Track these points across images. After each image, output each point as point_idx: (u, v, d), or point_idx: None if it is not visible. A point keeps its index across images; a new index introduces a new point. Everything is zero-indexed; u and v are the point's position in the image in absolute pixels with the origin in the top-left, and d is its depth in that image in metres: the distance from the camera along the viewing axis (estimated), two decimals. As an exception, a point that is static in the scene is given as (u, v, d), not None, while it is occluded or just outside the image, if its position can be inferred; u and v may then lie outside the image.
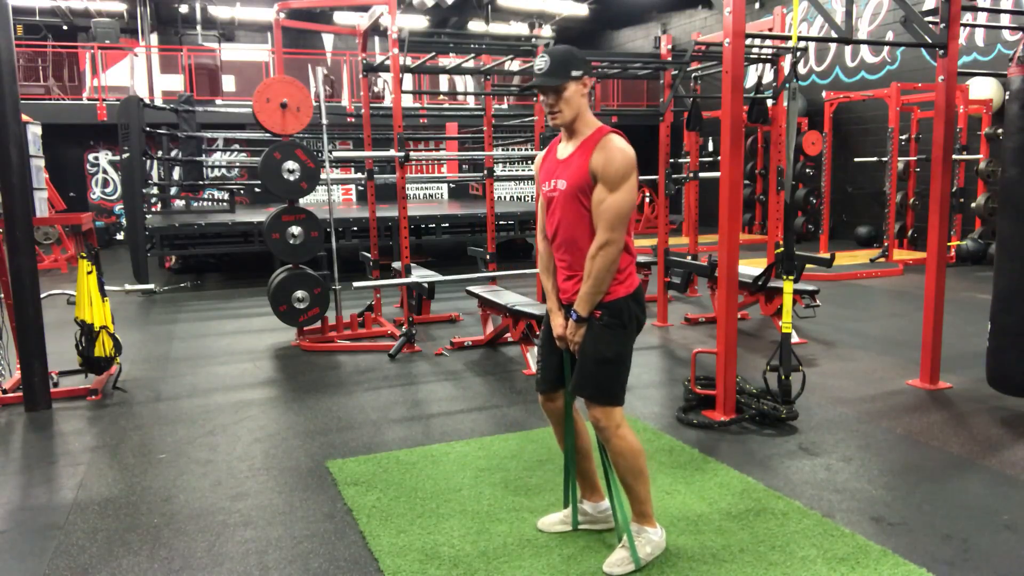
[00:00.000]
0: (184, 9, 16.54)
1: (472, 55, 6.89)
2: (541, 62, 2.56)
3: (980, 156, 10.43)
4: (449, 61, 9.61)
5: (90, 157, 15.12)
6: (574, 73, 2.54)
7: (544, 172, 2.76)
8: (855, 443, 3.91)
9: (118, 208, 14.83)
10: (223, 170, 14.69)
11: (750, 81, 10.74)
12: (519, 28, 18.98)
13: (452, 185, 16.35)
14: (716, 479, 3.45)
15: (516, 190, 17.28)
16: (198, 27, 16.57)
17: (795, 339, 5.96)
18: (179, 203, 13.12)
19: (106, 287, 5.02)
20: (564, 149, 2.69)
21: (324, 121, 6.38)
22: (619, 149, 2.54)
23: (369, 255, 7.22)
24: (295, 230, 5.95)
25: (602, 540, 2.90)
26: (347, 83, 15.46)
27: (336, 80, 15.48)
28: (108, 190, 15.33)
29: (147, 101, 11.01)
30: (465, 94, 15.37)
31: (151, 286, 8.50)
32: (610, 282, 2.57)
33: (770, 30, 6.40)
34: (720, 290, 4.26)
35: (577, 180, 2.56)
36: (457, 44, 7.07)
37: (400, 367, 5.58)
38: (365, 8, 7.13)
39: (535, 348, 5.54)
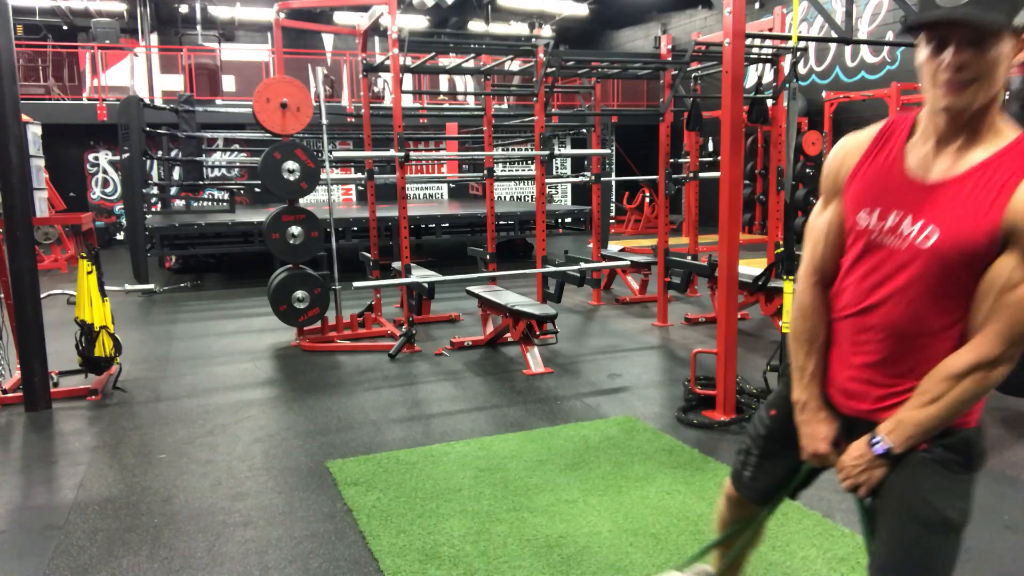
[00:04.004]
0: (184, 9, 16.54)
1: (472, 55, 6.90)
2: None
3: (980, 156, 10.42)
4: (449, 61, 9.61)
5: (90, 157, 15.11)
6: (1018, 21, 1.38)
7: (868, 188, 1.58)
8: (855, 443, 3.90)
9: (118, 208, 14.81)
10: (223, 170, 14.69)
11: (750, 81, 10.75)
12: (519, 28, 18.97)
13: (452, 185, 16.35)
14: (716, 479, 3.45)
15: (516, 190, 17.28)
16: (198, 27, 16.57)
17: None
18: (179, 203, 13.12)
19: (106, 287, 5.02)
20: (933, 159, 1.50)
21: (324, 121, 6.38)
22: None
23: (369, 255, 7.23)
24: (295, 230, 5.95)
25: (602, 541, 2.90)
26: (347, 83, 15.45)
27: (336, 80, 15.47)
28: (108, 190, 15.32)
29: (147, 101, 11.00)
30: (465, 94, 15.36)
31: (151, 286, 8.49)
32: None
33: (770, 30, 6.41)
34: (720, 290, 4.27)
35: (968, 232, 1.43)
36: (457, 44, 7.07)
37: (400, 367, 5.58)
38: (365, 8, 7.13)
39: (535, 348, 5.58)
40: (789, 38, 4.40)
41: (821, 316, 1.70)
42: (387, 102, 13.62)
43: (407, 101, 14.09)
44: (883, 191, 1.55)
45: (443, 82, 15.84)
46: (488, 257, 7.28)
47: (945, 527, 1.52)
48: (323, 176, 6.20)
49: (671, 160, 6.97)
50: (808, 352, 1.71)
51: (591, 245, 8.56)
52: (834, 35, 4.58)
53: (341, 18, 16.07)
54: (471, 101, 14.98)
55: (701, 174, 7.98)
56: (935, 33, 1.42)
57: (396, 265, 7.01)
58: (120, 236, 14.32)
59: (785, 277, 4.25)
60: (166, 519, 3.17)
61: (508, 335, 5.86)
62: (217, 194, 13.39)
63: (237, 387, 5.16)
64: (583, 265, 6.38)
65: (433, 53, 6.90)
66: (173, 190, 12.76)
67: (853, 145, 1.64)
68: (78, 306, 4.82)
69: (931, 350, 1.52)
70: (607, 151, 9.82)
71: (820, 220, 1.71)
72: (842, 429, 1.68)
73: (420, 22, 17.55)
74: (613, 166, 12.93)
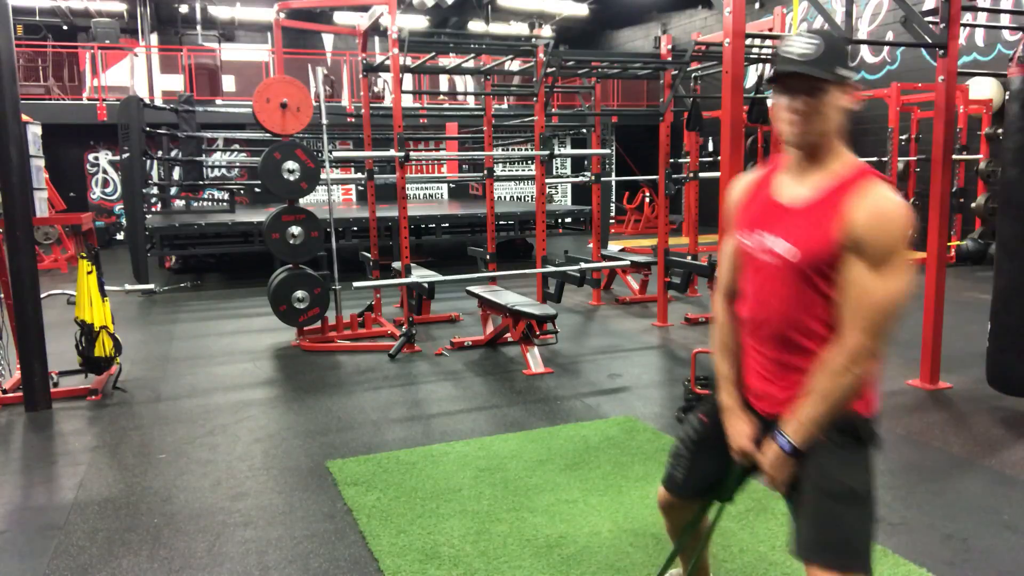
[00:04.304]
0: (184, 9, 16.54)
1: (472, 55, 6.89)
2: (804, 43, 1.69)
3: (980, 156, 10.43)
4: (449, 61, 9.61)
5: (90, 157, 15.11)
6: (843, 72, 1.69)
7: (747, 214, 1.88)
8: (855, 443, 3.90)
9: (118, 208, 14.82)
10: (223, 170, 14.69)
11: (750, 81, 10.73)
12: (519, 28, 18.97)
13: (452, 185, 16.35)
14: (716, 479, 3.45)
15: (516, 190, 17.29)
16: (198, 27, 16.56)
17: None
18: (179, 203, 13.12)
19: (106, 287, 5.02)
20: (791, 187, 1.80)
21: (324, 121, 6.38)
22: (895, 204, 1.65)
23: (369, 255, 7.23)
24: (295, 230, 5.95)
25: (602, 541, 2.90)
26: (347, 83, 15.45)
27: (336, 80, 15.47)
28: (108, 190, 15.32)
29: (147, 101, 11.01)
30: (465, 94, 15.36)
31: (151, 286, 8.49)
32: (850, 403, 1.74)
33: (770, 30, 6.40)
34: (720, 290, 4.26)
35: (817, 246, 1.70)
36: (457, 44, 7.07)
37: (400, 367, 5.58)
38: (365, 8, 7.13)
39: (535, 348, 5.58)
40: (789, 38, 4.40)
41: (732, 328, 1.96)
42: (387, 102, 13.62)
43: (407, 101, 14.09)
44: (758, 216, 1.84)
45: (443, 82, 15.84)
46: (488, 257, 7.28)
47: (851, 497, 1.71)
48: (323, 176, 6.20)
49: (671, 160, 6.97)
50: (726, 358, 1.97)
51: (591, 245, 8.57)
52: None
53: (341, 18, 16.07)
54: (471, 101, 14.98)
55: (701, 174, 7.98)
56: (783, 84, 1.73)
57: (396, 265, 7.00)
58: (120, 236, 14.33)
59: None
60: (166, 519, 3.17)
61: (508, 335, 5.86)
62: (217, 194, 13.40)
63: (237, 387, 5.16)
64: (583, 265, 6.38)
65: (433, 53, 6.89)
66: (173, 190, 12.75)
67: (743, 181, 1.98)
68: (78, 306, 4.82)
69: (814, 351, 1.75)
70: (607, 151, 9.82)
71: (725, 246, 2.01)
72: (760, 429, 1.87)
73: (420, 22, 17.55)
74: (613, 166, 12.94)
